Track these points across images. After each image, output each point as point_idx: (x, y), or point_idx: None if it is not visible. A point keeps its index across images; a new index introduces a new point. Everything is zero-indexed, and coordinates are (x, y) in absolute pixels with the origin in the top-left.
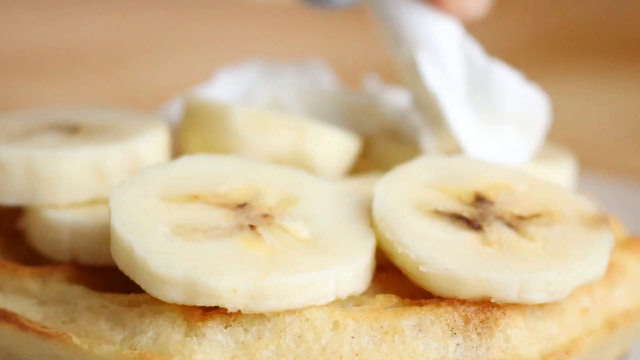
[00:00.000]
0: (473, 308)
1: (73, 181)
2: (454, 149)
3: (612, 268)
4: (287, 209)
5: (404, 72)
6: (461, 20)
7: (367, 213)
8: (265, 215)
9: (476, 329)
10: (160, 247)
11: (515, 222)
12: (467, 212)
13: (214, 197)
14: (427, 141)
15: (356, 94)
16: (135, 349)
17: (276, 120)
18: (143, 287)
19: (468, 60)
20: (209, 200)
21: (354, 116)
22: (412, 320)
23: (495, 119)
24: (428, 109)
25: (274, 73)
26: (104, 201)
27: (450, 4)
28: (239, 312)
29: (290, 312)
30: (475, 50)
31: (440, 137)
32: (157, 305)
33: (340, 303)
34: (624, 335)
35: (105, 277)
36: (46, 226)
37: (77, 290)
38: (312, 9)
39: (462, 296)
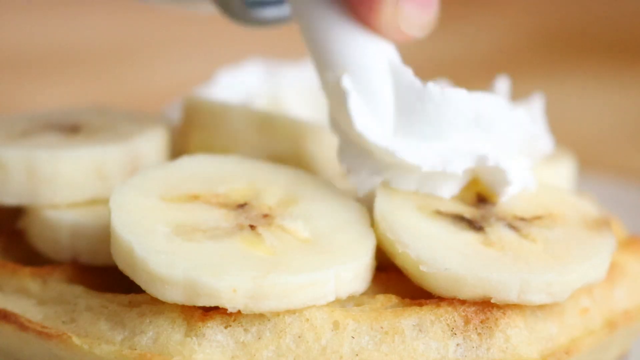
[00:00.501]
0: (473, 308)
1: (73, 181)
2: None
3: (612, 268)
4: (287, 209)
5: (327, 95)
6: (397, 42)
7: (367, 213)
8: (266, 216)
9: (476, 329)
10: (160, 247)
11: (517, 224)
12: (468, 213)
13: (214, 197)
14: (344, 165)
15: None
16: (135, 349)
17: (276, 120)
18: (143, 287)
19: (399, 86)
20: (209, 200)
21: None
22: (412, 320)
23: (433, 138)
24: (347, 134)
25: (274, 73)
26: (104, 201)
27: (384, 25)
28: (239, 312)
29: (290, 312)
30: (409, 75)
31: (358, 161)
32: (157, 305)
33: (340, 303)
34: (624, 335)
35: (105, 277)
36: (46, 226)
37: (77, 290)
38: (241, 26)
39: (462, 296)
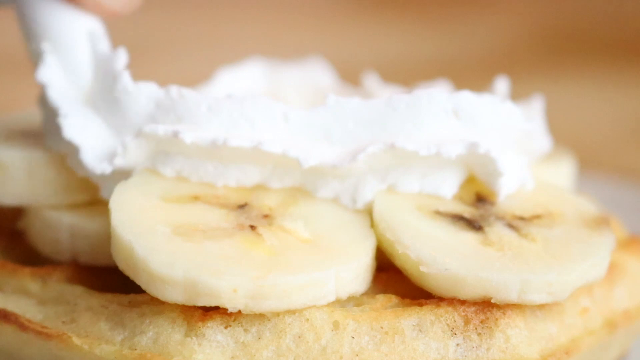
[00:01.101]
0: (473, 308)
1: (73, 182)
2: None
3: (612, 268)
4: (287, 209)
5: (34, 67)
6: (102, 16)
7: (367, 213)
8: (266, 216)
9: (476, 329)
10: (161, 247)
11: (516, 223)
12: (468, 212)
13: (215, 197)
14: (50, 141)
15: (357, 92)
16: (135, 349)
17: None
18: (143, 287)
19: (96, 59)
20: (209, 200)
21: None
22: (412, 320)
23: (115, 115)
24: (46, 104)
25: (274, 72)
26: (104, 201)
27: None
28: (239, 312)
29: (290, 312)
30: (105, 50)
31: (55, 134)
32: (157, 305)
33: (340, 303)
34: (624, 335)
35: (105, 277)
36: (46, 226)
37: (77, 290)
38: None
39: (462, 296)
